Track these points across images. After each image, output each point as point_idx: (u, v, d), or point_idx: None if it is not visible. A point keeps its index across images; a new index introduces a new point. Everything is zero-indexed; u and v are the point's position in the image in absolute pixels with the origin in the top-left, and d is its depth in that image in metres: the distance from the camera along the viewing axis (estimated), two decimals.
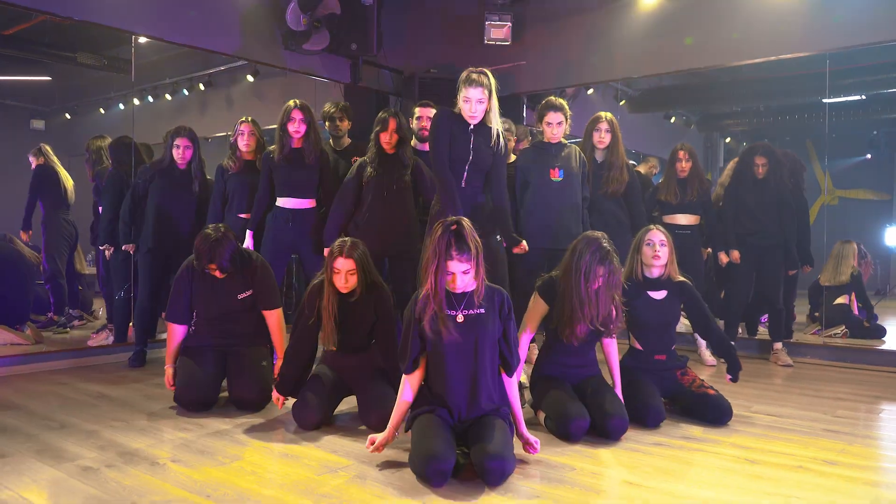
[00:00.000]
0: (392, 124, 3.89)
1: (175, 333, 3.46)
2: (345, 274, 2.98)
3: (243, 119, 4.39)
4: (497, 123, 3.47)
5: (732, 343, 3.60)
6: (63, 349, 4.62)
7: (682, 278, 3.33)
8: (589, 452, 2.72)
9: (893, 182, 7.41)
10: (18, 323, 4.77)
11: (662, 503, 2.21)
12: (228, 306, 3.42)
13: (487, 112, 3.40)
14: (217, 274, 3.33)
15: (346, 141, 4.72)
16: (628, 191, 4.40)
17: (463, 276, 2.45)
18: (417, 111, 4.53)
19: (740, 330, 5.23)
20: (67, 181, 5.37)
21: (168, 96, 6.38)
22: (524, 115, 6.36)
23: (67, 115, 6.47)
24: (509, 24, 5.85)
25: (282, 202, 4.10)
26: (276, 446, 2.78)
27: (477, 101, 3.34)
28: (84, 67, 5.87)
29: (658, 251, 3.24)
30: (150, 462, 2.54)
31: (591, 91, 6.59)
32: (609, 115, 4.40)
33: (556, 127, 4.09)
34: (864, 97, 7.03)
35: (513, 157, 4.36)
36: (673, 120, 7.55)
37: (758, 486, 2.36)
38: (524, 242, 3.72)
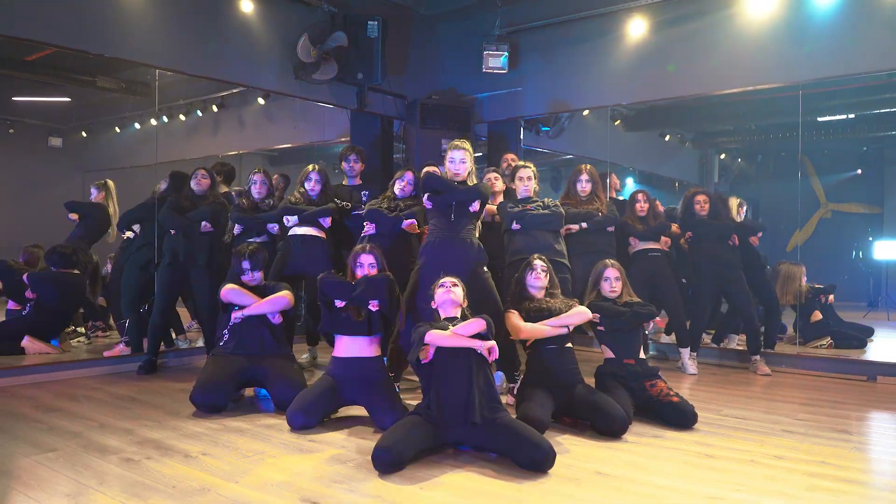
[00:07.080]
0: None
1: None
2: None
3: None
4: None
5: None
6: (90, 358, 4.99)
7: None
8: (565, 448, 3.09)
9: (883, 196, 7.78)
10: (53, 337, 5.13)
11: (627, 490, 2.58)
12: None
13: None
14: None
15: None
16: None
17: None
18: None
19: (707, 340, 5.67)
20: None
21: (182, 117, 6.77)
22: (521, 137, 6.76)
23: (84, 133, 6.84)
24: (506, 53, 6.25)
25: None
26: (290, 440, 3.16)
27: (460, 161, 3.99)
28: (103, 91, 6.27)
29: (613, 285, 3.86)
30: (184, 455, 2.92)
31: (586, 112, 6.99)
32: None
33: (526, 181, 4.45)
34: (852, 116, 7.42)
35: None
36: (668, 138, 7.87)
37: (711, 476, 2.73)
38: None
